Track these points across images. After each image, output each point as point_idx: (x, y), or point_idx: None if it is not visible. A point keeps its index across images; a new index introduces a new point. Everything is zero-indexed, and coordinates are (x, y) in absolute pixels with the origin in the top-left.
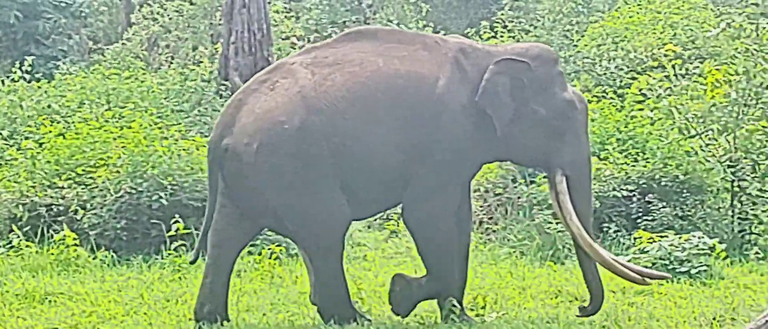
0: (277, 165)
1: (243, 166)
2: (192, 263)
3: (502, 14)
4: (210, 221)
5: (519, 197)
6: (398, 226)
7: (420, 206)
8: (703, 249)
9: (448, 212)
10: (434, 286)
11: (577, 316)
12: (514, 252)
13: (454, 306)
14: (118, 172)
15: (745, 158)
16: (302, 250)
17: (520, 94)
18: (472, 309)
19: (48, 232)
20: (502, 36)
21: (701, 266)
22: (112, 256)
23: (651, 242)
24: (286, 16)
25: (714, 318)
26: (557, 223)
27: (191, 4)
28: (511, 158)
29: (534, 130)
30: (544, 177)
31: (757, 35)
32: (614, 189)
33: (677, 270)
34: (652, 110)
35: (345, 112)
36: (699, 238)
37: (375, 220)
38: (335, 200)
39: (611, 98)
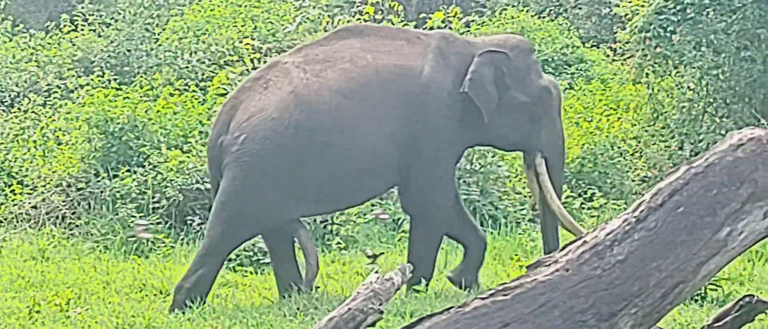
0: (256, 158)
1: (227, 157)
2: None
3: (83, 8)
4: None
5: (102, 192)
6: None
7: (421, 195)
8: None
9: (447, 197)
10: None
11: None
12: (98, 246)
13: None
14: None
15: None
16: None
17: (502, 83)
18: (56, 306)
19: None
20: (83, 29)
21: None
22: None
23: None
24: None
25: (298, 308)
26: (140, 216)
27: None
28: (493, 142)
29: (515, 116)
30: (127, 171)
31: (333, 27)
32: (198, 182)
33: (261, 262)
34: None
35: (337, 107)
36: None
37: None
38: (278, 203)
39: (194, 91)
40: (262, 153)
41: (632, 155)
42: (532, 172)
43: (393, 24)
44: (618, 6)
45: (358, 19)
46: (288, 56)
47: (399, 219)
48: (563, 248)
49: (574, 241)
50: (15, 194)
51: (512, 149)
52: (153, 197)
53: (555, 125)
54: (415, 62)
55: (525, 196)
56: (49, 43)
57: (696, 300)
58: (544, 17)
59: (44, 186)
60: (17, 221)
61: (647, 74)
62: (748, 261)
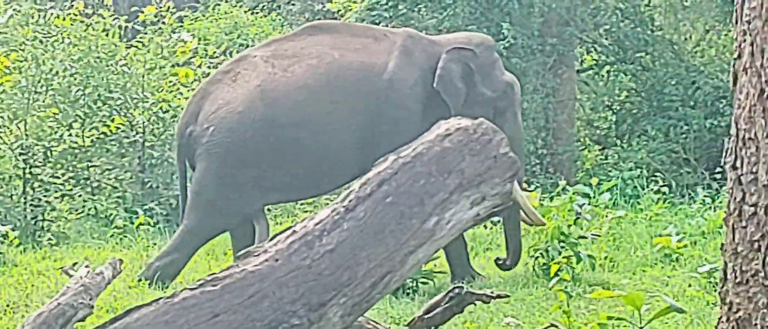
0: (225, 150)
1: (198, 148)
2: None
3: None
4: (184, 202)
5: None
6: None
7: None
8: None
9: None
10: None
11: (498, 266)
12: None
13: None
14: None
15: (37, 144)
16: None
17: (470, 79)
18: None
19: None
20: None
21: None
22: None
23: None
24: None
25: (8, 305)
26: None
27: None
28: None
29: (482, 111)
30: None
31: (45, 22)
32: None
33: None
34: None
35: (303, 102)
36: None
37: None
38: (246, 193)
39: None
40: (230, 145)
41: None
42: None
43: (104, 18)
44: (331, 2)
45: (69, 12)
46: (257, 50)
47: (111, 215)
48: (272, 237)
49: (284, 231)
50: None
51: None
52: None
53: (516, 120)
54: (380, 58)
55: None
56: None
57: (407, 294)
58: (257, 13)
59: None
60: None
61: None
62: None
